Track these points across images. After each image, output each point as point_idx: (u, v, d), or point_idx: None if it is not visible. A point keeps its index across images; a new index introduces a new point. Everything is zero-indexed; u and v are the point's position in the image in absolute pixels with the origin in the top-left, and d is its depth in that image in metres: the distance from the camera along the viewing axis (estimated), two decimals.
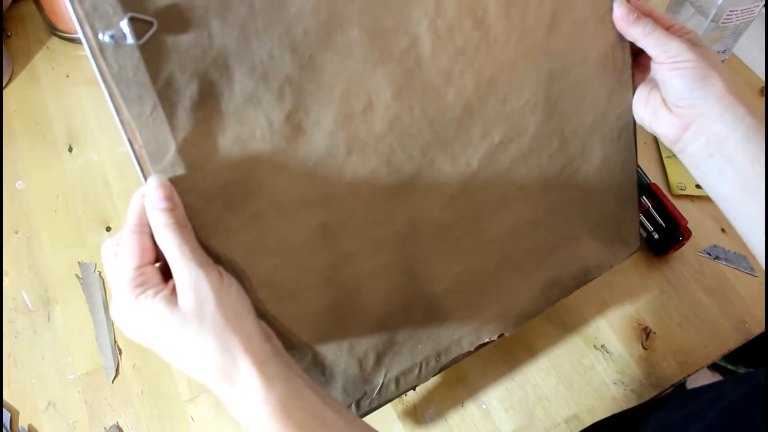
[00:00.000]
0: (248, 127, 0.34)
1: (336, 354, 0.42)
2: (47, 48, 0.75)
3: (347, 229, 0.39)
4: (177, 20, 0.30)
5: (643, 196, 0.60)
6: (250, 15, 0.32)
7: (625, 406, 0.53)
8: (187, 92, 0.32)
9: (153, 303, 0.32)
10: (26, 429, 0.50)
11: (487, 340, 0.47)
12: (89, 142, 0.67)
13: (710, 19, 0.66)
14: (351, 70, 0.35)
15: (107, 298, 0.57)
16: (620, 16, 0.43)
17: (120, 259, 0.33)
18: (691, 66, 0.41)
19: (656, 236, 0.60)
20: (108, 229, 0.61)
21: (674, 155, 0.68)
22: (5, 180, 0.64)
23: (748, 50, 0.78)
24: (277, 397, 0.31)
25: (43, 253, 0.59)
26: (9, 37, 0.76)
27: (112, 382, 0.53)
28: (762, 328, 0.58)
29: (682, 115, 0.42)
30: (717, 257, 0.61)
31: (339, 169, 0.37)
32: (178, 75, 0.31)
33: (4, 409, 0.51)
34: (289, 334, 0.40)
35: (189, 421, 0.51)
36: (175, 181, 0.32)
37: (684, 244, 0.59)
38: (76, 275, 0.58)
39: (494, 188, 0.44)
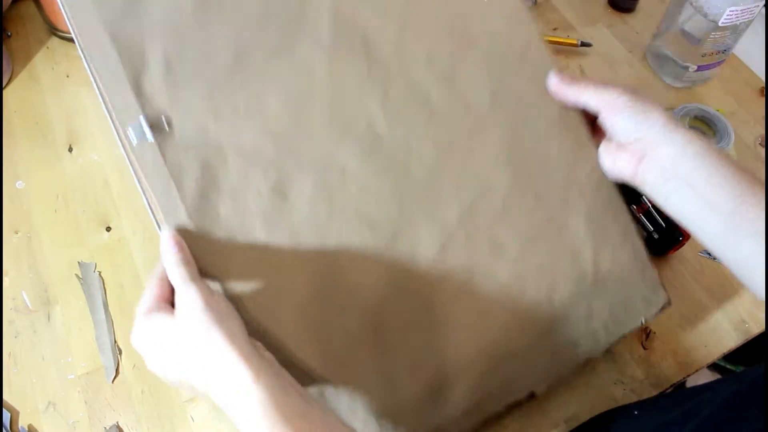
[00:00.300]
0: (242, 198, 0.42)
1: (348, 412, 0.43)
2: (47, 48, 0.75)
3: (340, 287, 0.43)
4: (182, 118, 0.41)
5: (643, 197, 0.60)
6: (237, 116, 0.42)
7: None
8: (192, 171, 0.41)
9: (157, 316, 0.38)
10: (26, 429, 0.50)
11: (513, 400, 0.47)
12: (89, 142, 0.67)
13: (710, 19, 0.66)
14: (321, 149, 0.44)
15: (107, 298, 0.57)
16: (554, 83, 0.49)
17: (143, 296, 0.39)
18: (629, 104, 0.45)
19: (656, 236, 0.60)
20: (108, 229, 0.61)
21: None
22: (5, 180, 0.64)
23: (748, 50, 0.78)
24: (264, 389, 0.34)
25: (43, 253, 0.59)
26: (9, 37, 0.76)
27: (112, 382, 0.53)
28: (762, 328, 0.58)
29: (634, 150, 0.45)
30: (717, 257, 0.61)
31: (325, 230, 0.43)
32: (184, 159, 0.41)
33: (4, 409, 0.51)
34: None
35: (189, 421, 0.51)
36: (183, 236, 0.40)
37: (684, 244, 0.59)
38: (76, 275, 0.58)
39: (481, 244, 0.46)
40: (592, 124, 0.49)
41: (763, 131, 0.72)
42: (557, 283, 0.48)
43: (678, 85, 0.75)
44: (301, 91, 0.44)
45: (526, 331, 0.47)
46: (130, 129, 0.40)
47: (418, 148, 0.46)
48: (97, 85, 0.42)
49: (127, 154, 0.41)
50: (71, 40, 0.75)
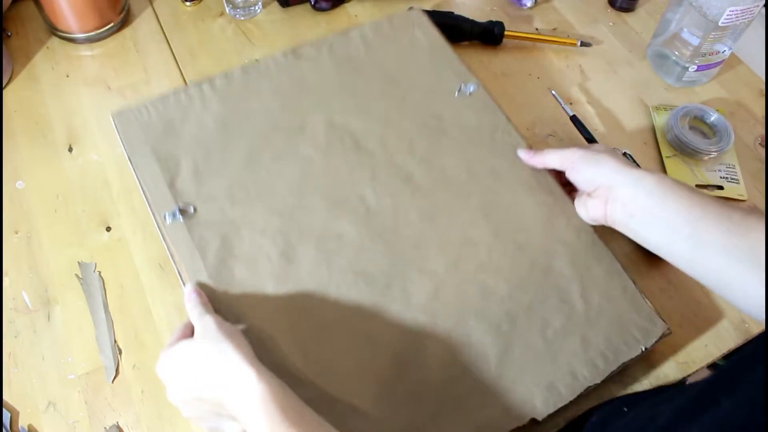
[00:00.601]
0: (254, 262, 0.52)
1: None
2: (47, 48, 0.75)
3: (340, 330, 0.50)
4: (205, 204, 0.54)
5: None
6: (250, 201, 0.54)
7: None
8: (213, 242, 0.52)
9: (178, 343, 0.44)
10: (26, 429, 0.51)
11: (516, 426, 0.47)
12: (89, 142, 0.67)
13: (710, 19, 0.66)
14: (321, 221, 0.54)
15: (107, 298, 0.57)
16: (524, 157, 0.58)
17: (171, 337, 0.46)
18: (583, 157, 0.52)
19: None
20: (108, 229, 0.61)
21: (674, 155, 0.68)
22: (5, 180, 0.64)
23: (748, 50, 0.78)
24: (266, 387, 0.39)
25: (43, 253, 0.60)
26: (9, 37, 0.76)
27: (112, 382, 0.53)
28: (762, 328, 0.58)
29: (598, 195, 0.52)
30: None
31: (326, 284, 0.51)
32: (206, 233, 0.53)
33: (4, 409, 0.51)
34: None
35: (189, 421, 0.51)
36: (205, 291, 0.49)
37: None
38: (76, 275, 0.58)
39: (470, 289, 0.52)
40: (569, 184, 0.56)
41: (763, 131, 0.72)
42: (548, 319, 0.52)
43: (678, 85, 0.75)
44: (303, 179, 0.56)
45: (521, 363, 0.50)
46: (165, 214, 0.53)
47: (405, 215, 0.55)
48: (141, 185, 0.55)
49: (160, 229, 0.53)
50: (71, 40, 0.75)
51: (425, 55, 0.66)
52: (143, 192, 0.55)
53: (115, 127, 0.58)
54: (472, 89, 0.63)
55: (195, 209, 0.54)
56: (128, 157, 0.56)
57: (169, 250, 0.53)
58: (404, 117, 0.61)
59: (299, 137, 0.58)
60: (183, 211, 0.53)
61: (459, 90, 0.63)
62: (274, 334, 0.48)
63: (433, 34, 0.68)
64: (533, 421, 0.48)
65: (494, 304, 0.52)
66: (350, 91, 0.62)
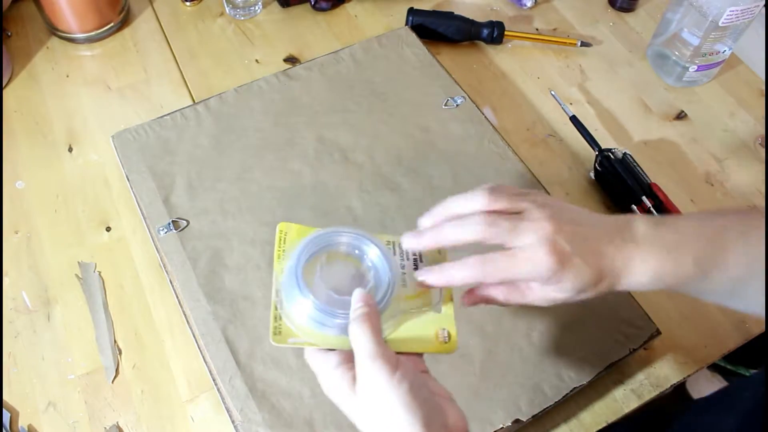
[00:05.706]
0: (243, 270, 0.54)
1: None
2: (47, 48, 0.75)
3: None
4: (198, 217, 0.57)
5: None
6: (241, 213, 0.57)
7: (625, 407, 0.53)
8: (204, 253, 0.55)
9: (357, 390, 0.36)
10: (26, 429, 0.51)
11: (500, 426, 0.48)
12: (89, 142, 0.67)
13: (710, 19, 0.66)
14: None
15: (107, 298, 0.57)
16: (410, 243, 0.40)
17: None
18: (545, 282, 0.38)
19: None
20: (108, 229, 0.61)
21: None
22: (5, 180, 0.64)
23: (748, 50, 0.78)
24: None
25: (43, 253, 0.60)
26: (9, 37, 0.76)
27: (112, 382, 0.53)
28: (762, 328, 0.58)
29: None
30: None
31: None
32: (198, 245, 0.55)
33: (4, 409, 0.51)
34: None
35: (189, 421, 0.51)
36: (196, 297, 0.53)
37: None
38: (76, 275, 0.58)
39: (454, 292, 0.51)
40: None
41: (763, 131, 0.72)
42: (534, 321, 0.52)
43: (678, 85, 0.75)
44: (292, 192, 0.59)
45: (506, 364, 0.50)
46: (159, 228, 0.56)
47: (391, 222, 0.57)
48: (137, 201, 0.58)
49: (154, 241, 0.56)
50: (71, 40, 0.75)
51: (414, 71, 0.68)
52: (139, 207, 0.57)
53: (114, 147, 0.61)
54: (459, 102, 0.66)
55: (188, 222, 0.56)
56: (126, 176, 0.59)
57: (162, 260, 0.55)
58: (392, 130, 0.63)
59: (289, 153, 0.61)
60: (176, 224, 0.56)
61: (446, 103, 0.65)
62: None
63: (421, 50, 0.70)
64: (517, 421, 0.48)
65: (479, 307, 0.52)
66: (340, 108, 0.65)
